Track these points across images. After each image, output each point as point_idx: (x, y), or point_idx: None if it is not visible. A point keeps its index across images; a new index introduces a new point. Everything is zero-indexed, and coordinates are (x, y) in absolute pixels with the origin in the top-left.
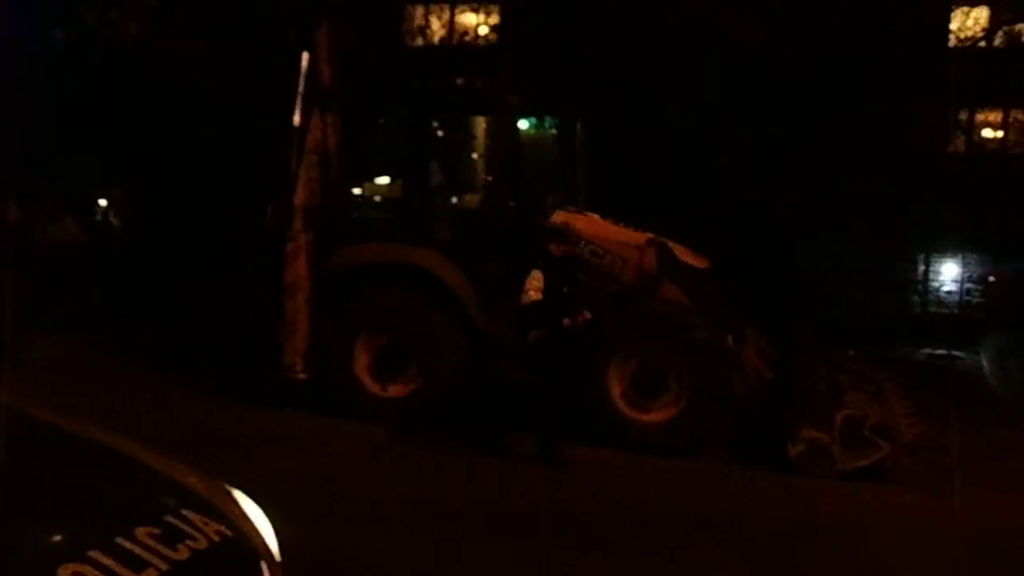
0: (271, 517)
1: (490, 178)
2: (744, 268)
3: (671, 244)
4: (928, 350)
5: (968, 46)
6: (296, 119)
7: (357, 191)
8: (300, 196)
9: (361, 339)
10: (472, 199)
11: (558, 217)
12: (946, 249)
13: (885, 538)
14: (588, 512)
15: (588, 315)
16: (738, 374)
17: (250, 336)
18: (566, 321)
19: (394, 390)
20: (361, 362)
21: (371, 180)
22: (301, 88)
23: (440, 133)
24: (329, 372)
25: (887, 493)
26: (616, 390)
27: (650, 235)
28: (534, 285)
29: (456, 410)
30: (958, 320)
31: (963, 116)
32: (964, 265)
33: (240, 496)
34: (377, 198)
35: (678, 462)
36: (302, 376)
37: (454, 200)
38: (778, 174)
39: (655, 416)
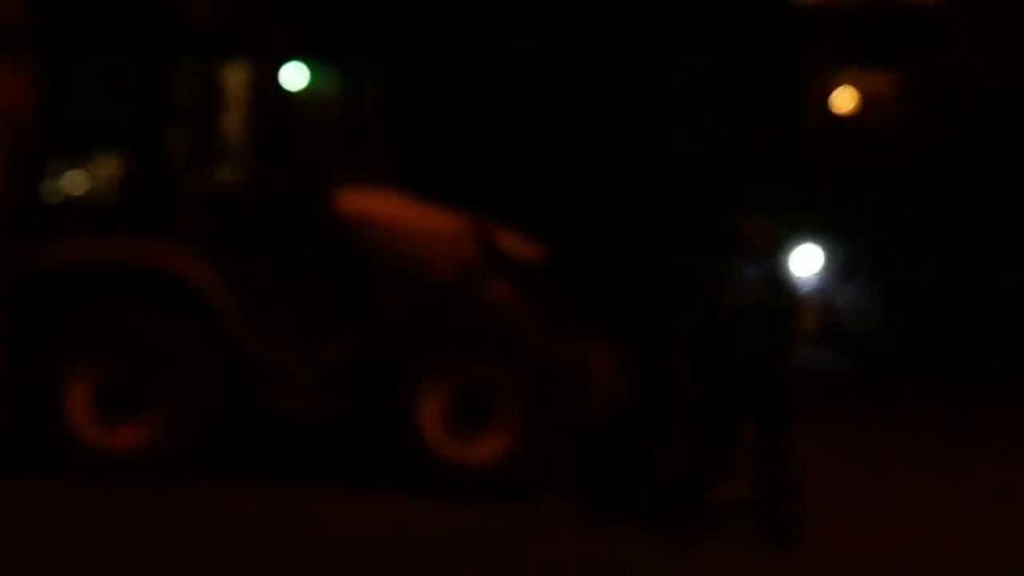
0: None
1: (251, 147)
2: (591, 260)
3: (495, 230)
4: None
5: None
6: None
7: (62, 167)
8: None
9: (76, 370)
10: (228, 176)
11: (345, 197)
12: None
13: None
14: None
15: None
16: (587, 392)
17: None
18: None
19: (125, 438)
20: (77, 402)
21: (83, 152)
22: None
23: (179, 87)
24: (31, 417)
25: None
26: (429, 422)
27: (469, 219)
28: None
29: (214, 459)
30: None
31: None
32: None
33: None
34: (92, 176)
35: (510, 511)
36: None
37: (202, 178)
38: (623, 148)
39: (481, 452)
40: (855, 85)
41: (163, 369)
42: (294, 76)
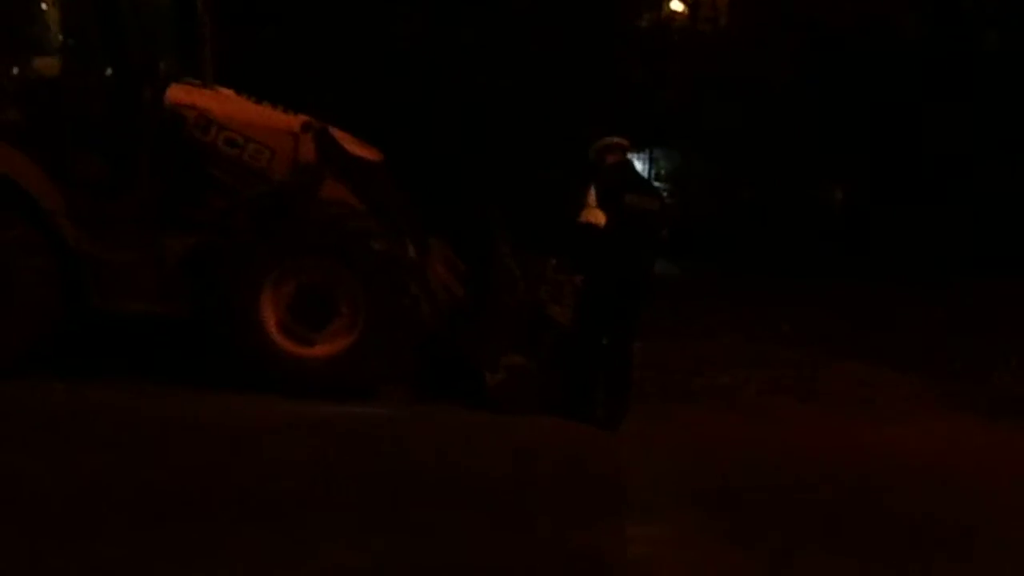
0: None
1: (75, 35)
2: (423, 163)
3: (333, 132)
4: None
5: None
6: None
7: None
8: None
9: None
10: (50, 64)
11: (177, 93)
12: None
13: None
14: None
15: None
16: (423, 291)
17: None
18: None
19: None
20: None
21: None
22: None
23: None
24: None
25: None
26: (271, 320)
27: (305, 118)
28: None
29: (41, 359)
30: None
31: None
32: (651, 160)
33: None
34: None
35: (352, 407)
36: None
37: (20, 66)
38: (460, 47)
39: (322, 350)
40: None
41: None
42: None
